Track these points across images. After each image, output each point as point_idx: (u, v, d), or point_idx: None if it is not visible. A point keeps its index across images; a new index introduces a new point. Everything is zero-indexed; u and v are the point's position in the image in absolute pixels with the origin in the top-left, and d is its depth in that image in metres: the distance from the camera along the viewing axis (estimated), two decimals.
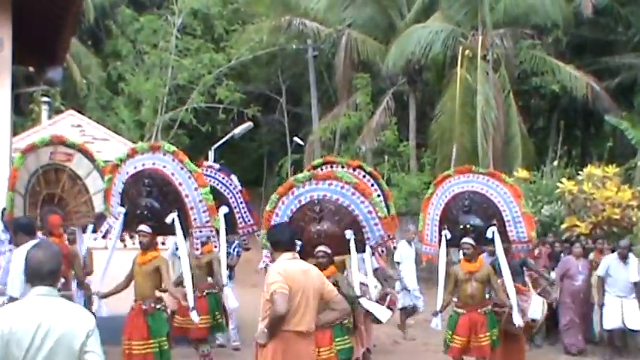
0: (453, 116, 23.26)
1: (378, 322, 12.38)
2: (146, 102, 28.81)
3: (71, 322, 4.31)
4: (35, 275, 4.37)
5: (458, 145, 20.72)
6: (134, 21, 29.73)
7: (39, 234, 9.07)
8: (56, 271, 4.53)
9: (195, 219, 9.48)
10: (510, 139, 23.58)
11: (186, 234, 9.58)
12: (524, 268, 11.45)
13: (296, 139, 29.89)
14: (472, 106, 23.12)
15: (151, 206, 9.43)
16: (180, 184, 9.43)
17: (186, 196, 9.41)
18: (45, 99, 23.53)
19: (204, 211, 9.43)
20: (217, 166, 12.19)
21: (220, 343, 12.80)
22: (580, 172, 16.80)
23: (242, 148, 33.13)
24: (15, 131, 15.33)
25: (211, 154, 22.51)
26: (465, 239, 10.01)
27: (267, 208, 9.06)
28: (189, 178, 9.41)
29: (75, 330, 4.31)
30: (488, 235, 10.02)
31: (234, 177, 11.70)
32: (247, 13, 31.48)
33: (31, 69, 14.15)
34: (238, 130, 24.46)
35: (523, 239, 10.21)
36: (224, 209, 10.98)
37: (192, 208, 9.43)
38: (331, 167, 10.76)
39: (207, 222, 9.52)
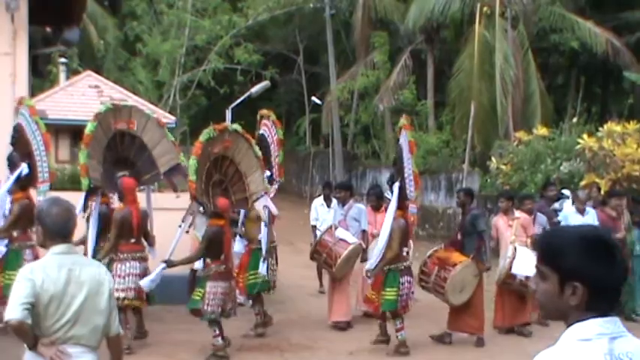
0: (471, 74, 23.11)
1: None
2: (163, 63, 28.84)
3: (96, 279, 4.39)
4: (58, 233, 4.39)
5: (476, 103, 20.57)
6: None
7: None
8: (74, 229, 4.59)
9: None
10: (529, 97, 23.43)
11: None
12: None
13: (314, 98, 29.86)
14: (490, 63, 22.95)
15: None
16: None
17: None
18: (62, 60, 23.58)
19: None
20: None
21: (240, 302, 12.74)
22: (599, 129, 16.70)
23: (260, 108, 32.99)
24: (33, 93, 15.41)
25: (229, 114, 22.54)
26: (387, 194, 10.07)
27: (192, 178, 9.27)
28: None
29: (100, 287, 4.40)
30: (394, 189, 9.79)
31: None
32: None
33: (47, 29, 14.15)
34: (255, 89, 24.44)
35: (412, 198, 9.95)
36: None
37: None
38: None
39: None
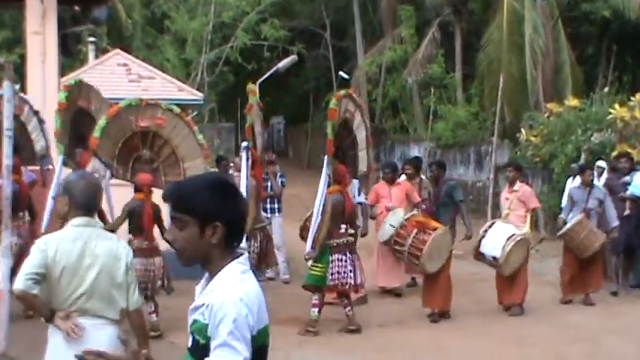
0: (500, 45, 22.88)
1: None
2: (190, 40, 28.92)
3: (113, 253, 4.44)
4: (83, 205, 4.44)
5: (505, 74, 20.36)
6: None
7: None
8: (99, 203, 4.66)
9: None
10: (559, 67, 23.15)
11: None
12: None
13: (341, 73, 29.74)
14: (520, 34, 22.68)
15: None
16: None
17: None
18: (91, 39, 23.68)
19: None
20: None
21: (270, 277, 12.82)
22: (631, 99, 16.50)
23: (288, 84, 33.10)
24: (63, 72, 15.48)
25: (256, 90, 22.54)
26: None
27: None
28: None
29: (117, 261, 4.44)
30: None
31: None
32: None
33: (76, 8, 14.22)
34: (282, 64, 24.43)
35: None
36: None
37: None
38: None
39: None
